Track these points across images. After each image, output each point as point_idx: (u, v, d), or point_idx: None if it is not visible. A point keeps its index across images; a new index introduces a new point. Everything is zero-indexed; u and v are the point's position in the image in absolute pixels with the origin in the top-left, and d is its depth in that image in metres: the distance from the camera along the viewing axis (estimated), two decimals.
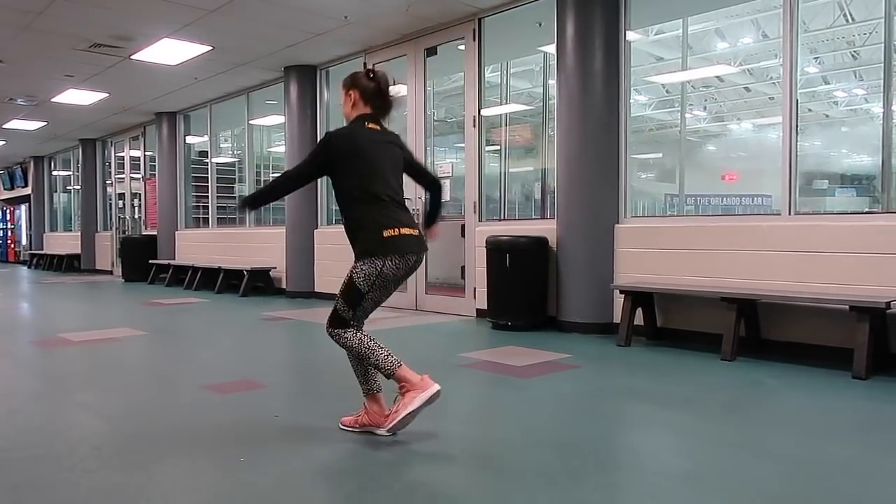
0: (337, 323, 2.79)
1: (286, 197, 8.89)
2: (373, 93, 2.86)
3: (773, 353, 4.58)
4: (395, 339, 5.50)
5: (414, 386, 2.66)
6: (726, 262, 4.88)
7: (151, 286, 11.18)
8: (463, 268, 6.84)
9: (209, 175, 11.37)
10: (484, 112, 6.81)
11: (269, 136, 12.58)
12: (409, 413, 2.64)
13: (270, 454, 2.62)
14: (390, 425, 2.70)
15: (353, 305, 2.75)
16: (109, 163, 14.84)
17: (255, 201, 2.96)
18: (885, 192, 4.88)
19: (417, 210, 6.67)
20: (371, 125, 2.84)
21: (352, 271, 2.74)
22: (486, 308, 6.17)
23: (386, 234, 2.69)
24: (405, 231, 2.73)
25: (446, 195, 3.18)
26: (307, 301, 8.40)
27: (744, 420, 3.17)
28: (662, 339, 5.21)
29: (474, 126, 6.72)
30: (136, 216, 13.57)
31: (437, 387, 2.67)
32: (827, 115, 17.75)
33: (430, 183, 3.09)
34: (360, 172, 2.74)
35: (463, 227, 6.80)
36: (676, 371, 4.23)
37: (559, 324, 5.71)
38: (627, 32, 5.62)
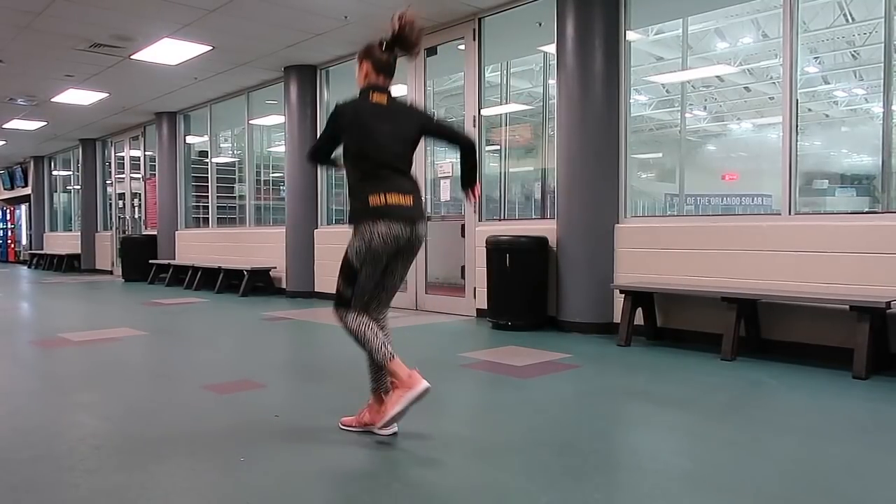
0: (339, 302, 2.79)
1: (286, 197, 8.92)
2: (385, 65, 2.86)
3: (773, 353, 4.58)
4: (395, 339, 5.48)
5: (402, 383, 2.61)
6: (726, 261, 4.88)
7: (151, 286, 11.18)
8: (463, 268, 6.83)
9: (209, 175, 11.38)
10: (484, 112, 6.81)
11: (269, 135, 12.58)
12: (396, 413, 2.60)
13: (270, 454, 2.62)
14: (380, 424, 2.68)
15: (349, 282, 2.75)
16: (109, 163, 14.84)
17: (314, 158, 3.04)
18: (885, 191, 4.88)
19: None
20: (376, 96, 2.83)
21: (346, 246, 2.77)
22: (486, 308, 6.17)
23: (372, 202, 2.68)
24: (393, 200, 2.70)
25: (477, 154, 3.06)
26: (307, 301, 8.40)
27: (744, 420, 3.17)
28: (662, 338, 5.21)
29: (474, 126, 6.71)
30: (136, 216, 13.58)
31: (424, 384, 2.60)
32: (827, 115, 17.75)
33: (457, 141, 3.00)
34: (358, 143, 2.77)
35: (463, 226, 6.79)
36: (676, 371, 4.22)
37: (559, 324, 5.71)
38: (627, 32, 5.62)
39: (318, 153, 2.96)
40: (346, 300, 2.77)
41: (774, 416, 3.23)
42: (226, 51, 7.88)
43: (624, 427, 3.22)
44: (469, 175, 3.04)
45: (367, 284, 2.78)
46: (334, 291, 2.82)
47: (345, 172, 2.86)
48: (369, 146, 2.75)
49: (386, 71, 2.87)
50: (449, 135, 3.01)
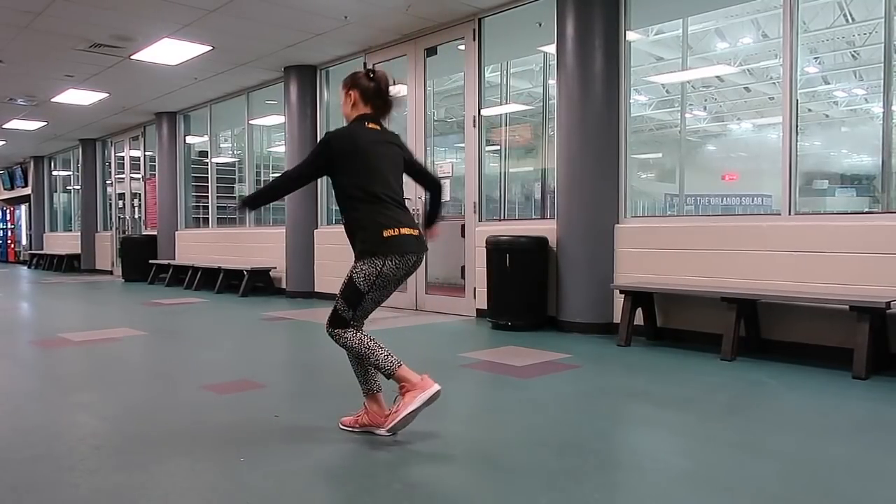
0: (337, 323, 2.79)
1: (286, 197, 8.92)
2: (373, 93, 2.87)
3: (773, 353, 4.58)
4: (395, 339, 5.49)
5: (414, 386, 2.66)
6: (726, 262, 4.88)
7: (151, 286, 11.18)
8: (463, 268, 6.84)
9: (209, 175, 11.38)
10: (484, 112, 6.81)
11: (269, 136, 12.58)
12: (410, 413, 2.65)
13: (270, 454, 2.62)
14: (390, 425, 2.70)
15: (353, 305, 2.75)
16: (109, 163, 14.84)
17: (255, 201, 2.97)
18: (885, 191, 4.88)
19: (417, 210, 6.66)
20: (371, 125, 2.85)
21: (352, 271, 2.75)
22: (486, 308, 6.17)
23: (386, 233, 2.70)
24: (405, 231, 2.74)
25: (446, 195, 3.16)
26: (307, 301, 8.40)
27: (744, 420, 3.17)
28: (662, 339, 5.21)
29: (474, 126, 6.72)
30: (136, 216, 13.58)
31: (437, 387, 2.67)
32: (827, 115, 17.76)
33: (430, 183, 3.10)
34: (360, 172, 2.76)
35: (463, 227, 6.79)
36: (676, 371, 4.22)
37: (559, 324, 5.71)
38: (627, 32, 5.62)
39: (299, 181, 2.90)
40: (345, 321, 2.78)
41: (774, 416, 3.23)
42: (226, 51, 7.88)
43: (624, 427, 3.22)
44: (433, 215, 3.12)
45: (370, 307, 2.80)
46: (333, 311, 2.80)
47: (343, 205, 2.82)
48: (376, 178, 2.76)
49: (373, 100, 2.88)
50: (423, 174, 3.11)
